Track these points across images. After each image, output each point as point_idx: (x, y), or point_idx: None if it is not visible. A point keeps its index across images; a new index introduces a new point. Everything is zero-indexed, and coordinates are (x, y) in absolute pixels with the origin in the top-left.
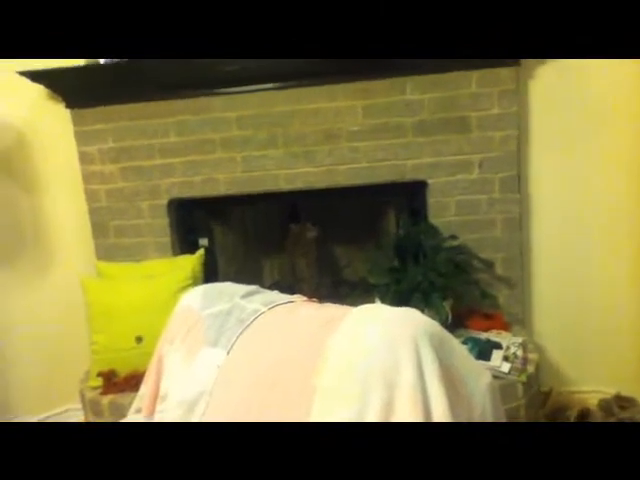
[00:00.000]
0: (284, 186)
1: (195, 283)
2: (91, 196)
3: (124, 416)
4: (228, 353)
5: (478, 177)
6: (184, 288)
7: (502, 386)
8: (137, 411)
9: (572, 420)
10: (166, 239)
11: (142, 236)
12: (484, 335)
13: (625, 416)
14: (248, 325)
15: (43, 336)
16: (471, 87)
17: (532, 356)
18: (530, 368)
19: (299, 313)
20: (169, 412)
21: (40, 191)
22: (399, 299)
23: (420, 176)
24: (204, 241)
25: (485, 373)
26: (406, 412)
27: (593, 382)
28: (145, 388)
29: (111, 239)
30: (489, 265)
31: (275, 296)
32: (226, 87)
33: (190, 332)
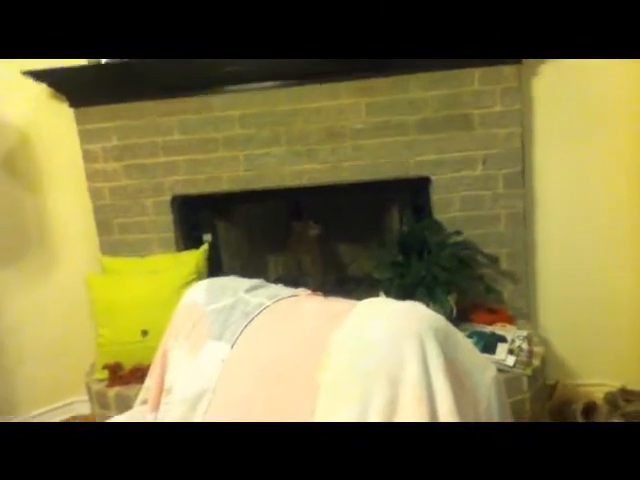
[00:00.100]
0: (287, 184)
1: (199, 278)
2: (95, 194)
3: (130, 408)
4: (232, 347)
5: (482, 173)
6: (188, 283)
7: (507, 379)
8: (143, 402)
9: (578, 413)
10: (170, 235)
11: (146, 233)
12: (489, 329)
13: (630, 410)
14: (252, 319)
15: (49, 331)
16: (474, 85)
17: (537, 349)
18: (535, 361)
19: (304, 307)
20: (174, 405)
21: (44, 190)
22: (403, 293)
23: (424, 173)
24: (208, 237)
25: (490, 366)
26: (411, 408)
27: (598, 375)
28: (150, 381)
29: (115, 236)
30: (493, 260)
31: (279, 290)
32: (229, 86)
33: (195, 327)
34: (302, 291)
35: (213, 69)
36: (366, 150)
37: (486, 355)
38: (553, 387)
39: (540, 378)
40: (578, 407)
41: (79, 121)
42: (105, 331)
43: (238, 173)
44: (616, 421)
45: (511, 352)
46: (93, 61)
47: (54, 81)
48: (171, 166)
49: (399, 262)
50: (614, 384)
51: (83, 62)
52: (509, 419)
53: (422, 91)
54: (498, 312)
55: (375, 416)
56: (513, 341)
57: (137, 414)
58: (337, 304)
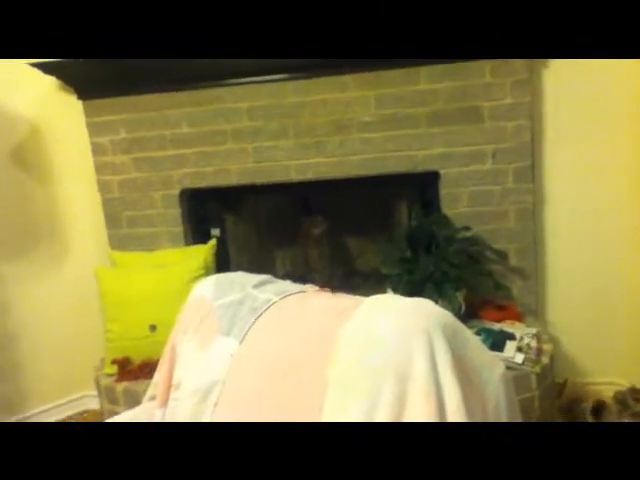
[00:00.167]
0: (295, 177)
1: (207, 273)
2: (104, 187)
3: (138, 403)
4: (240, 342)
5: (491, 168)
6: (196, 278)
7: (516, 377)
8: (151, 398)
9: (587, 412)
10: (178, 229)
11: (155, 226)
12: (497, 326)
13: None
14: (260, 315)
15: (59, 325)
16: (484, 77)
17: (546, 347)
18: (544, 359)
19: (311, 303)
20: (183, 400)
21: (53, 182)
22: (411, 289)
23: (432, 167)
24: (216, 231)
25: (499, 364)
26: (419, 404)
27: (608, 374)
28: (159, 376)
29: (124, 229)
30: (502, 256)
31: (287, 286)
32: (237, 78)
33: (203, 322)
34: (310, 287)
35: (221, 62)
36: (374, 143)
37: (494, 352)
38: (562, 385)
39: (549, 376)
40: (588, 406)
41: (88, 114)
42: (114, 326)
43: (247, 165)
44: (626, 421)
45: (520, 350)
46: None
47: (63, 73)
48: (180, 159)
49: (407, 258)
50: (624, 383)
51: None
52: (517, 417)
53: (432, 83)
54: (507, 309)
55: (383, 412)
56: (522, 338)
57: (145, 410)
58: (345, 300)
